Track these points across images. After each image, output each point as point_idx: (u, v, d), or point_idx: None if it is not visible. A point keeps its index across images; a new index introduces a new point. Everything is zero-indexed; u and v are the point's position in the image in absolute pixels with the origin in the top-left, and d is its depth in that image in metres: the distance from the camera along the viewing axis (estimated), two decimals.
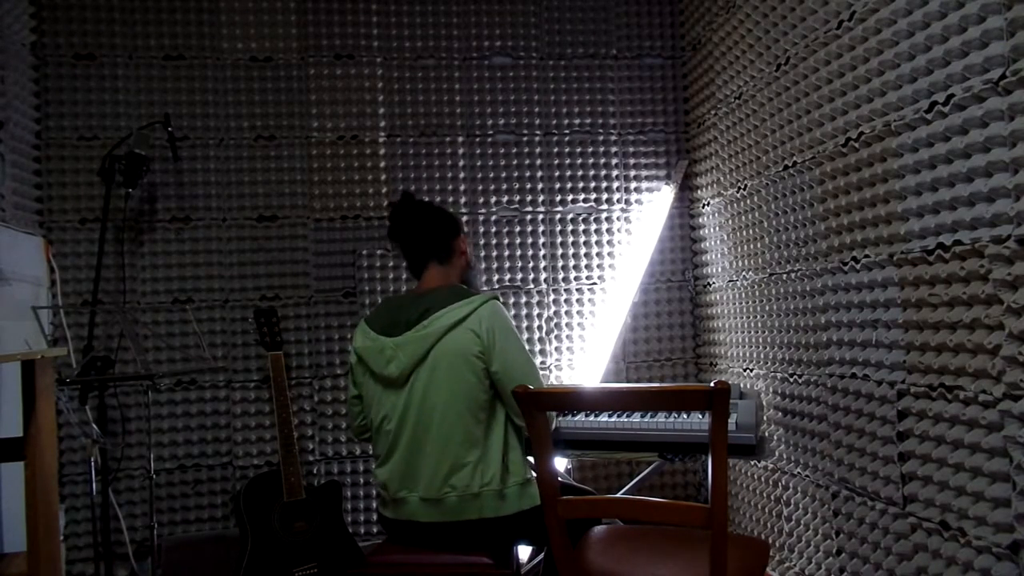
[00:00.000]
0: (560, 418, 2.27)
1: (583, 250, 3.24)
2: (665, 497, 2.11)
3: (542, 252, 3.21)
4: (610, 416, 2.25)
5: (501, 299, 1.97)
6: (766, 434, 2.57)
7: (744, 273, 2.78)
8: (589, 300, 3.23)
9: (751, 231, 2.70)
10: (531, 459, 1.89)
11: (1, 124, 2.54)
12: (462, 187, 3.17)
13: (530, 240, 3.20)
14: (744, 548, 1.65)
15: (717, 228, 3.03)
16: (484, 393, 1.85)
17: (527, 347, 2.09)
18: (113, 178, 2.72)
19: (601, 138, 3.28)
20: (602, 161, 3.27)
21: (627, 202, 3.28)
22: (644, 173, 3.30)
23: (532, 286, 3.20)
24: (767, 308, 2.60)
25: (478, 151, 3.19)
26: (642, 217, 3.27)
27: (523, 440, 1.95)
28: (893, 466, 1.87)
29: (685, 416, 2.16)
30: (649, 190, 3.30)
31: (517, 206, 3.20)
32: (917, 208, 1.75)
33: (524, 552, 2.32)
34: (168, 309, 2.95)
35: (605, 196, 3.27)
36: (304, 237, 3.05)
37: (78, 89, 2.92)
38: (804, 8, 2.22)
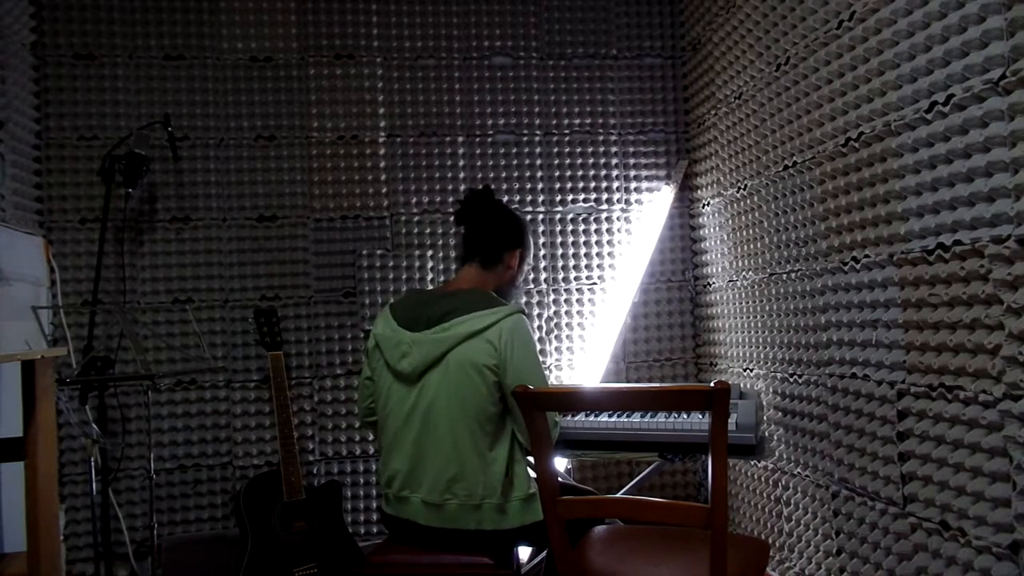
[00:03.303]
0: (560, 418, 2.27)
1: (583, 250, 3.24)
2: (665, 497, 2.11)
3: (542, 252, 3.21)
4: (610, 416, 2.25)
5: (526, 312, 1.92)
6: (766, 434, 2.57)
7: (744, 273, 2.78)
8: (589, 300, 3.23)
9: (751, 231, 2.70)
10: (531, 459, 1.89)
11: (1, 124, 2.54)
12: (462, 187, 3.16)
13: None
14: (744, 548, 1.65)
15: (717, 228, 3.03)
16: (493, 406, 1.82)
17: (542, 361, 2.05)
18: (113, 178, 2.72)
19: (601, 138, 3.28)
20: (602, 161, 3.27)
21: (627, 202, 3.28)
22: (644, 173, 3.30)
23: (532, 286, 3.20)
24: (767, 308, 2.60)
25: (478, 151, 3.19)
26: (642, 217, 3.27)
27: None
28: (893, 466, 1.88)
29: (685, 416, 2.16)
30: (649, 190, 3.30)
31: (517, 206, 3.20)
32: (917, 208, 1.75)
33: (524, 552, 2.32)
34: (168, 309, 2.95)
35: (605, 196, 3.27)
36: (304, 237, 3.05)
37: (78, 89, 2.92)
38: (804, 8, 2.22)
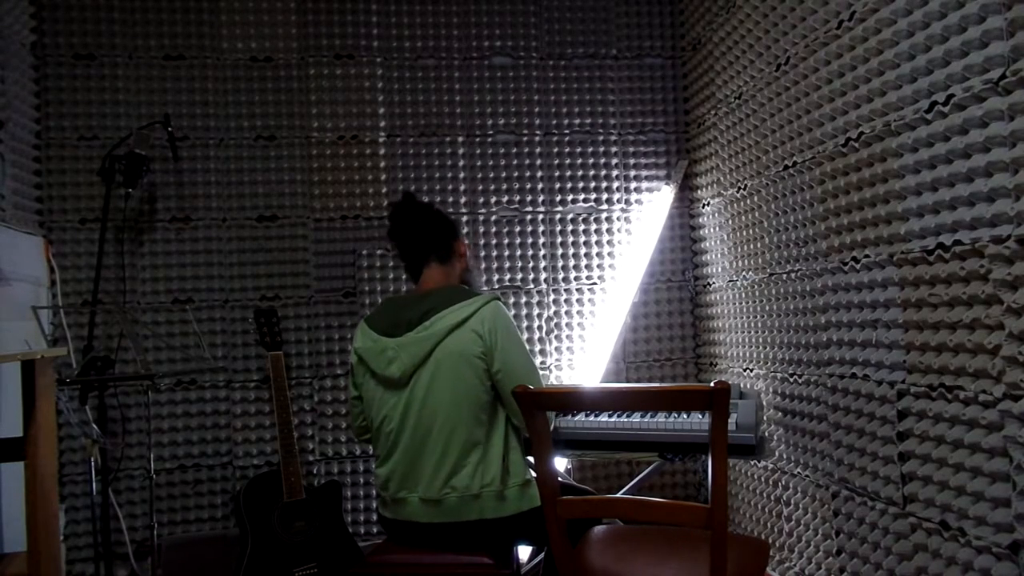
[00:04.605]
0: (560, 418, 2.27)
1: (583, 250, 3.24)
2: (665, 497, 2.11)
3: (542, 252, 3.21)
4: (610, 416, 2.25)
5: (502, 299, 1.96)
6: (766, 434, 2.57)
7: (744, 273, 2.78)
8: (589, 300, 3.23)
9: (751, 231, 2.70)
10: (531, 459, 1.89)
11: (1, 124, 2.54)
12: (462, 187, 3.17)
13: (530, 240, 3.20)
14: (744, 548, 1.65)
15: (717, 228, 3.03)
16: (486, 394, 1.85)
17: (528, 347, 2.09)
18: (113, 178, 2.72)
19: (601, 138, 3.28)
20: (602, 161, 3.27)
21: (627, 202, 3.28)
22: (644, 173, 3.30)
23: (532, 286, 3.20)
24: (767, 308, 2.60)
25: (478, 151, 3.19)
26: (642, 217, 3.27)
27: (522, 441, 1.95)
28: (893, 466, 1.88)
29: (685, 416, 2.16)
30: (649, 190, 3.30)
31: (517, 206, 3.20)
32: (917, 208, 1.75)
33: (524, 552, 2.32)
34: (168, 309, 2.95)
35: (605, 196, 3.27)
36: (304, 237, 3.05)
37: (78, 89, 2.92)
38: (804, 8, 2.22)
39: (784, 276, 2.45)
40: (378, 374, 1.90)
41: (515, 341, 1.89)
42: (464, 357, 1.83)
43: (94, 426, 2.68)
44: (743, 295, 2.81)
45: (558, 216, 3.23)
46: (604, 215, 3.26)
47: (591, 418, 2.26)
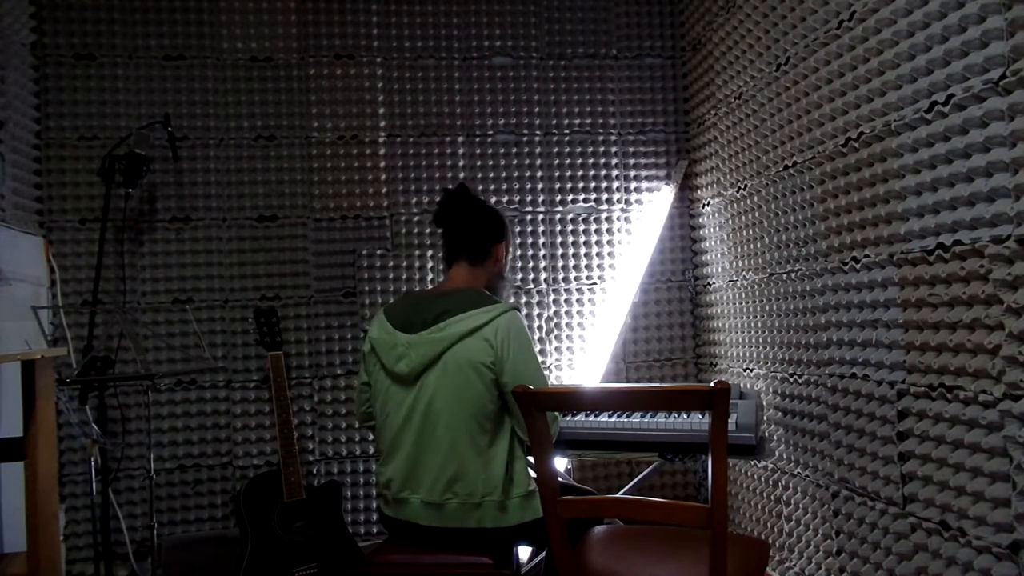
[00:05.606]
0: (560, 418, 2.26)
1: (583, 250, 3.24)
2: (665, 497, 2.11)
3: (542, 252, 3.21)
4: (610, 416, 2.25)
5: (524, 310, 1.94)
6: (766, 434, 2.57)
7: (744, 273, 2.78)
8: (589, 300, 3.23)
9: (751, 231, 2.70)
10: (531, 459, 1.89)
11: (1, 124, 2.54)
12: None
13: (530, 240, 3.20)
14: (744, 548, 1.65)
15: (717, 228, 3.03)
16: (492, 403, 1.83)
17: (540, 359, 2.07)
18: (113, 178, 2.72)
19: (601, 138, 3.28)
20: (602, 161, 3.27)
21: (627, 202, 3.28)
22: (644, 173, 3.30)
23: (532, 286, 3.20)
24: (767, 308, 2.60)
25: (478, 151, 3.19)
26: (642, 217, 3.27)
27: (527, 450, 1.93)
28: (893, 466, 1.88)
29: (685, 416, 2.16)
30: (649, 190, 3.30)
31: (517, 206, 3.20)
32: (917, 208, 1.75)
33: (524, 552, 2.32)
34: (168, 309, 2.95)
35: (605, 196, 3.27)
36: (304, 237, 3.05)
37: (78, 89, 2.92)
38: (804, 8, 2.22)
39: (784, 276, 2.45)
40: (387, 368, 1.89)
41: (527, 354, 1.86)
42: (473, 365, 1.80)
43: (94, 426, 2.68)
44: (743, 295, 2.81)
45: (558, 216, 3.23)
46: (604, 215, 3.26)
47: (591, 418, 2.26)
